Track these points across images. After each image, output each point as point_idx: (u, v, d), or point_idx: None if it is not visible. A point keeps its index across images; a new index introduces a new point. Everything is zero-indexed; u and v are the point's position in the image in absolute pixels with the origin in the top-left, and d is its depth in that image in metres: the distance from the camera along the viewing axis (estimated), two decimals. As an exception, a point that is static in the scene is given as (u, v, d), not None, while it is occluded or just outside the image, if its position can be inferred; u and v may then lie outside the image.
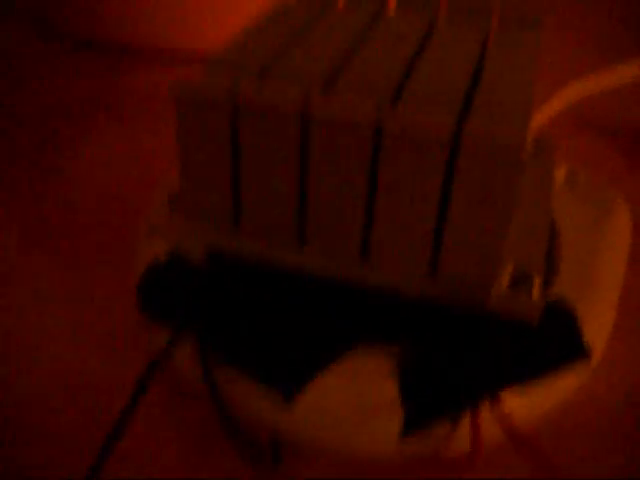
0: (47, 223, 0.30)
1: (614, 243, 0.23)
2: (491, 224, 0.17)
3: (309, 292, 0.20)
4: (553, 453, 0.21)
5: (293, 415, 0.18)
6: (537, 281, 0.19)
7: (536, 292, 0.18)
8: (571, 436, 0.22)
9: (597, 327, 0.20)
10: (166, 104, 0.37)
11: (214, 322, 0.19)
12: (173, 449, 0.21)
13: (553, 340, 0.19)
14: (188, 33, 0.41)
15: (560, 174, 0.25)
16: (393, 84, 0.18)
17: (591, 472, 0.21)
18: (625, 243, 0.23)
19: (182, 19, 0.40)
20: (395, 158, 0.17)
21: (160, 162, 0.33)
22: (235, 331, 0.19)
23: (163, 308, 0.20)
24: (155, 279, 0.21)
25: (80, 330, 0.25)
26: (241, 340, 0.19)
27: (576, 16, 0.49)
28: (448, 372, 0.18)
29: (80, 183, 0.32)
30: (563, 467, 0.21)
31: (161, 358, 0.19)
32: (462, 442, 0.18)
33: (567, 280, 0.21)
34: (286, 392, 0.18)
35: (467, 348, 0.18)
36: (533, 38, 0.21)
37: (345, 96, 0.17)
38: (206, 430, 0.21)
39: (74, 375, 0.23)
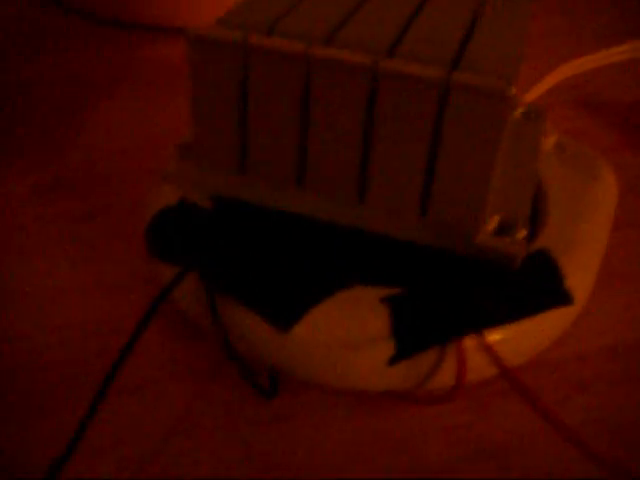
0: (67, 177, 0.31)
1: (600, 205, 0.24)
2: (477, 169, 0.18)
3: (308, 233, 0.21)
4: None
5: (288, 344, 0.19)
6: (521, 230, 0.20)
7: (519, 239, 0.20)
8: (554, 383, 0.23)
9: (579, 277, 0.21)
10: (180, 73, 0.38)
11: (219, 258, 0.20)
12: (175, 382, 0.22)
13: (535, 285, 0.20)
14: (203, 10, 0.42)
15: (550, 142, 0.26)
16: (391, 36, 0.19)
17: (573, 419, 0.22)
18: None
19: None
20: (389, 102, 0.18)
21: (177, 124, 0.34)
22: (238, 267, 0.20)
23: (170, 247, 0.21)
24: (164, 221, 0.22)
25: (93, 274, 0.26)
26: (243, 275, 0.20)
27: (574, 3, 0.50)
28: (436, 307, 0.19)
29: (99, 139, 0.33)
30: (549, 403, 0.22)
31: (167, 290, 0.20)
32: (448, 375, 0.19)
33: (552, 235, 0.22)
34: (282, 322, 0.19)
35: (454, 287, 0.20)
36: (525, 5, 0.23)
37: (345, 44, 0.18)
38: (205, 365, 0.23)
39: (87, 313, 0.25)
